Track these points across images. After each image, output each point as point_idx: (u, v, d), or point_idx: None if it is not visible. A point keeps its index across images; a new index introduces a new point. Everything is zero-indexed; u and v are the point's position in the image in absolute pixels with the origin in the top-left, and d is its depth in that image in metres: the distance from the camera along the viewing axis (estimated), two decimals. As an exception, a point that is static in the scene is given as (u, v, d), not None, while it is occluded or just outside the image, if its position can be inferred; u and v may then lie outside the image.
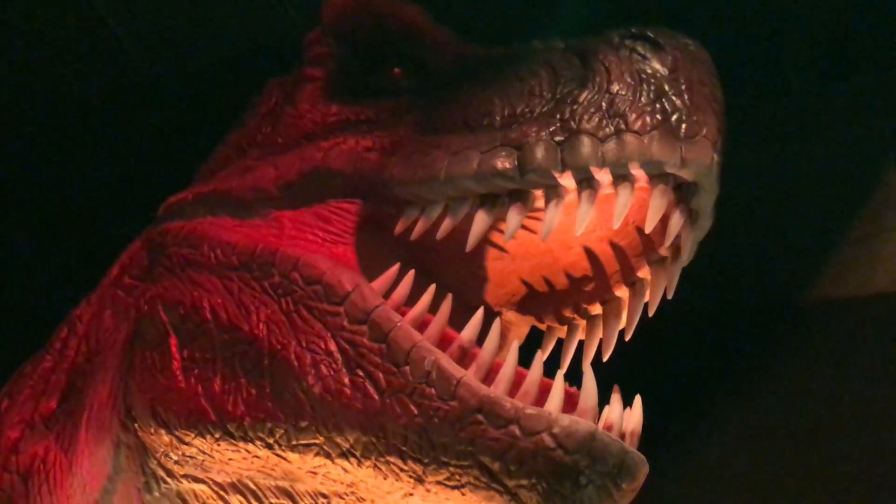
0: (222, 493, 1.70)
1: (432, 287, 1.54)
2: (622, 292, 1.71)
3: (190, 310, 1.65)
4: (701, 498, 3.24)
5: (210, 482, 1.70)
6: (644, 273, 1.67)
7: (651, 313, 1.65)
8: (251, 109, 1.92)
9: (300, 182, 1.67)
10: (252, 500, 1.68)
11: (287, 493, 1.65)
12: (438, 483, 1.43)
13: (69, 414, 1.87)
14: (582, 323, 1.76)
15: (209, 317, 1.63)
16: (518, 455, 1.37)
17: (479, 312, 1.52)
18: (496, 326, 1.50)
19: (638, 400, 1.50)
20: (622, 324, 1.69)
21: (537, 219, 1.56)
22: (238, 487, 1.68)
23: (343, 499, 1.60)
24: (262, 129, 1.84)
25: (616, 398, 1.48)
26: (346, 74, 1.77)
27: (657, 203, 1.48)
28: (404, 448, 1.43)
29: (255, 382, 1.55)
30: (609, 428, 1.43)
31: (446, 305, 1.52)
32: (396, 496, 1.52)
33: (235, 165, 1.82)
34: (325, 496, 1.61)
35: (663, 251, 1.63)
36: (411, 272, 1.56)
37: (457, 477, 1.41)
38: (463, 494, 1.42)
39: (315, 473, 1.56)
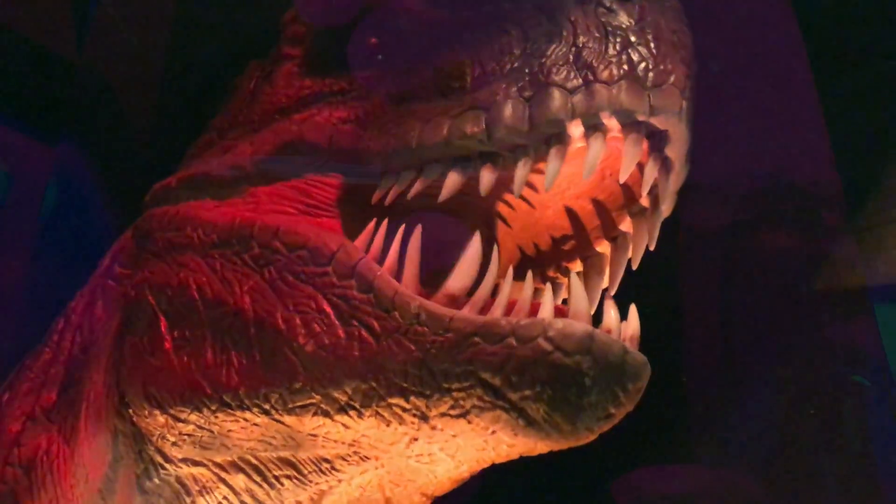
0: (223, 473, 1.70)
1: (402, 228, 1.55)
2: (603, 248, 1.71)
3: (177, 290, 1.67)
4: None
5: (210, 464, 1.70)
6: (626, 226, 1.68)
7: (635, 266, 1.65)
8: (232, 91, 1.94)
9: (276, 156, 1.69)
10: (255, 476, 1.69)
11: (290, 464, 1.65)
12: (443, 415, 1.43)
13: (69, 405, 1.89)
14: (565, 282, 1.76)
15: (196, 295, 1.65)
16: (518, 364, 1.36)
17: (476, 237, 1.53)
18: (495, 255, 1.51)
19: (633, 309, 1.50)
20: (605, 282, 1.69)
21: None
22: (239, 465, 1.69)
23: (346, 460, 1.61)
24: (242, 110, 1.85)
25: (610, 304, 1.48)
26: (321, 48, 1.78)
27: (630, 152, 1.49)
28: (405, 384, 1.43)
29: (245, 353, 1.57)
30: (608, 332, 1.43)
31: (415, 242, 1.52)
32: (401, 445, 1.52)
33: (216, 147, 1.85)
34: (327, 461, 1.62)
35: (643, 202, 1.63)
36: (385, 222, 1.57)
37: (461, 402, 1.40)
38: (469, 422, 1.42)
39: (315, 436, 1.57)
